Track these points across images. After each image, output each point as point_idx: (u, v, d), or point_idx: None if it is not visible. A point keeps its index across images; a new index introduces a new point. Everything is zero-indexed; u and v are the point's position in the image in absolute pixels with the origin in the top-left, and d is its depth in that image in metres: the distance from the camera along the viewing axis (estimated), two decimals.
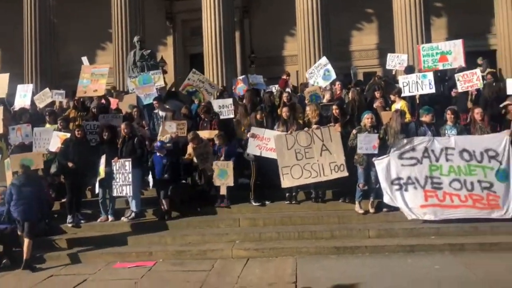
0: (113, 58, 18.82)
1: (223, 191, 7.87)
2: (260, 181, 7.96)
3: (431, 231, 6.74)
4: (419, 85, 9.29)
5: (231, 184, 7.78)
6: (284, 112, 8.06)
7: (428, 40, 17.25)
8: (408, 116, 8.18)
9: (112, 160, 7.58)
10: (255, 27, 21.96)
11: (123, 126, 7.90)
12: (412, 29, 16.82)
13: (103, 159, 7.59)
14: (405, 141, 7.08)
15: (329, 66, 10.95)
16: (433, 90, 9.35)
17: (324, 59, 11.59)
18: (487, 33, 19.13)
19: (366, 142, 7.20)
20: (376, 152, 7.23)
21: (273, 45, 21.14)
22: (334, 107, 8.02)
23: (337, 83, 10.20)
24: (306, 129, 7.77)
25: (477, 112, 7.42)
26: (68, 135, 8.00)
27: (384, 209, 7.34)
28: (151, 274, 6.05)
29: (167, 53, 22.79)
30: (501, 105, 7.78)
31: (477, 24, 18.90)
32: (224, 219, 7.60)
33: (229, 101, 9.39)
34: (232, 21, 18.44)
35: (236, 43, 22.42)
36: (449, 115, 7.46)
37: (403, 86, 9.36)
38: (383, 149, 7.21)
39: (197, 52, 19.76)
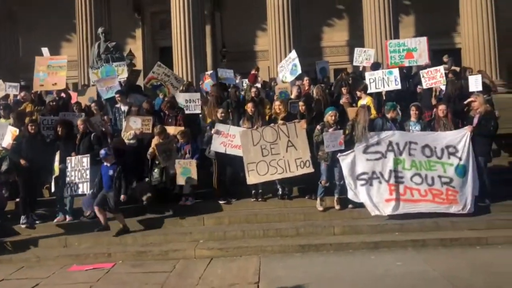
0: (77, 50, 18.22)
1: (186, 190, 7.67)
2: (224, 178, 7.79)
3: (395, 227, 6.78)
4: (385, 81, 9.32)
5: (195, 183, 7.59)
6: (249, 107, 7.91)
7: (397, 37, 17.52)
8: (373, 112, 8.20)
9: (67, 157, 7.23)
10: (227, 21, 21.69)
11: (79, 122, 7.56)
12: (381, 26, 17.07)
13: (57, 156, 7.24)
14: (371, 135, 7.08)
15: (297, 61, 10.86)
16: (399, 87, 9.41)
17: (293, 53, 11.49)
18: (453, 31, 19.58)
19: (332, 140, 7.14)
20: (342, 147, 7.20)
21: (245, 39, 20.96)
22: (300, 103, 7.95)
23: (305, 78, 10.13)
24: (272, 124, 7.66)
25: (441, 109, 7.50)
26: (18, 131, 7.57)
27: (350, 206, 7.34)
28: (108, 277, 5.79)
29: (135, 46, 22.22)
30: (465, 102, 7.89)
31: (444, 23, 19.36)
32: (188, 218, 7.40)
33: (197, 95, 9.16)
34: (202, 14, 18.14)
35: (207, 37, 22.21)
36: (413, 111, 7.50)
37: (370, 83, 9.37)
38: (349, 145, 7.19)
39: (167, 45, 19.36)
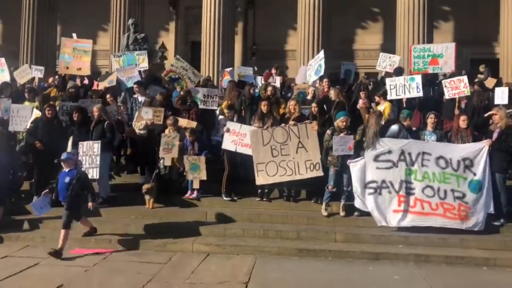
0: (110, 40, 18.65)
1: (196, 185, 7.66)
2: (232, 176, 7.76)
3: (399, 240, 6.55)
4: (407, 88, 9.04)
5: (204, 178, 7.58)
6: (263, 106, 7.83)
7: (430, 42, 16.96)
8: (385, 118, 7.94)
9: (80, 142, 7.40)
10: (259, 19, 21.72)
11: (94, 109, 7.70)
12: (414, 31, 16.56)
13: (70, 141, 7.43)
14: (382, 142, 6.87)
15: (323, 62, 10.72)
16: (420, 94, 9.11)
17: (321, 53, 11.35)
18: (493, 41, 18.79)
19: (341, 144, 6.99)
20: (351, 153, 7.02)
21: (276, 38, 20.88)
22: (313, 105, 7.82)
23: (325, 80, 9.94)
24: (283, 125, 7.56)
25: (463, 119, 7.16)
26: (40, 114, 7.82)
27: (356, 213, 7.15)
28: (105, 263, 5.90)
29: (168, 39, 22.61)
30: (486, 114, 7.53)
31: (484, 31, 18.63)
32: (192, 212, 7.43)
33: (215, 91, 9.17)
34: (232, 11, 18.18)
35: (239, 34, 22.33)
36: (430, 120, 7.22)
37: (390, 89, 9.11)
38: (360, 150, 7.01)
39: (198, 40, 19.49)
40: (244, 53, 21.84)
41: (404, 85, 9.06)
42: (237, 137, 7.60)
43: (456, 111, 9.02)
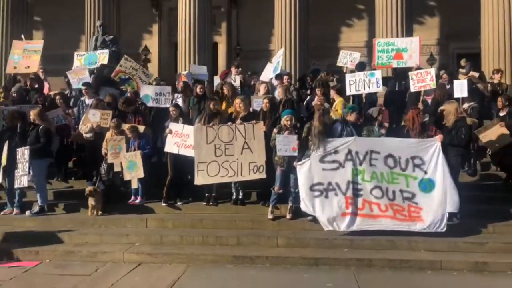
0: (85, 44, 18.35)
1: (134, 184, 7.32)
2: (176, 179, 7.41)
3: (344, 243, 6.16)
4: (366, 83, 8.71)
5: (141, 175, 7.25)
6: (211, 105, 7.45)
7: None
8: (335, 115, 7.57)
9: (17, 149, 7.06)
10: (243, 19, 21.38)
11: (31, 113, 7.36)
12: (393, 28, 16.26)
13: (5, 147, 7.09)
14: (328, 141, 6.48)
15: (281, 60, 10.40)
16: (380, 89, 8.78)
17: (281, 51, 11.06)
18: (478, 35, 18.39)
19: (285, 143, 6.62)
20: (296, 154, 6.65)
21: (260, 38, 20.47)
22: (265, 100, 7.43)
23: (285, 77, 9.58)
24: (229, 123, 7.18)
25: (414, 113, 6.76)
26: None
27: (309, 217, 6.68)
28: (23, 277, 5.52)
29: (151, 41, 22.29)
30: (438, 110, 7.15)
31: (470, 26, 18.20)
32: (132, 219, 7.07)
33: (168, 88, 8.83)
34: (208, 10, 17.89)
35: (223, 34, 22.07)
36: (379, 116, 6.84)
37: (350, 84, 8.78)
38: (306, 150, 6.63)
39: None
40: (228, 54, 21.52)
41: (364, 80, 8.72)
42: (180, 139, 7.23)
43: (420, 106, 8.66)
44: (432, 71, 8.77)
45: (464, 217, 6.52)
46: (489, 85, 9.91)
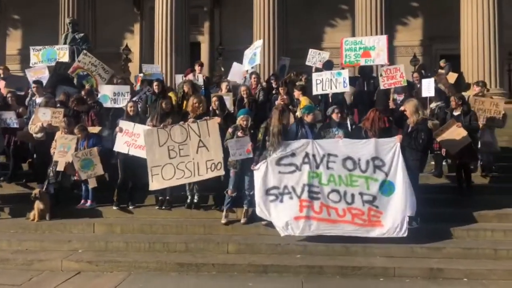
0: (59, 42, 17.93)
1: (92, 183, 6.92)
2: (127, 181, 7.06)
3: (298, 249, 5.86)
4: (333, 83, 8.43)
5: (101, 172, 6.88)
6: (164, 104, 7.10)
7: (390, 40, 16.49)
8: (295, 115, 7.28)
9: None
10: (225, 19, 21.17)
11: None
12: (372, 28, 16.15)
13: None
14: (285, 144, 6.17)
15: (258, 51, 10.10)
16: (347, 89, 8.51)
17: (258, 42, 10.73)
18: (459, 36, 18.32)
19: (238, 147, 6.31)
20: (250, 155, 6.35)
21: (243, 37, 20.04)
22: (213, 98, 7.12)
23: (253, 76, 9.26)
24: (181, 122, 6.83)
25: (375, 114, 6.49)
26: None
27: (263, 222, 6.35)
28: None
29: (133, 41, 22.00)
30: (401, 108, 6.89)
31: (453, 27, 18.12)
32: (79, 224, 6.69)
33: (126, 88, 8.48)
34: (186, 10, 17.63)
35: (205, 34, 21.83)
36: (335, 115, 6.54)
37: (316, 84, 8.52)
38: (265, 151, 6.32)
39: None
40: (211, 53, 21.31)
41: (331, 79, 8.45)
42: (130, 138, 6.88)
43: (391, 104, 8.43)
44: (402, 67, 8.52)
45: (426, 221, 6.27)
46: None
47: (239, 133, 6.39)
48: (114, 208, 6.97)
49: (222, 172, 6.61)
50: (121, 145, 6.94)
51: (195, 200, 6.95)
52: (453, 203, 6.93)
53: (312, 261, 5.54)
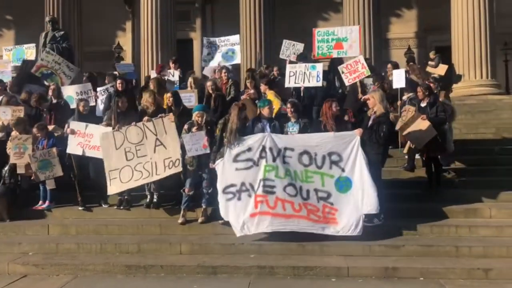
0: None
1: (51, 185, 6.76)
2: (84, 182, 6.89)
3: (252, 249, 5.64)
4: (307, 76, 8.19)
5: (60, 173, 6.72)
6: (120, 102, 6.91)
7: (378, 34, 16.26)
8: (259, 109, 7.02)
9: None
10: (217, 14, 20.97)
11: None
12: (360, 19, 15.83)
13: None
14: (242, 139, 5.93)
15: (237, 48, 9.86)
16: (320, 84, 8.25)
17: (234, 38, 10.46)
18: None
19: (193, 142, 6.10)
20: (207, 151, 6.14)
21: (235, 33, 20.00)
22: (168, 95, 6.91)
23: (223, 71, 9.02)
24: (134, 123, 6.63)
25: (328, 105, 6.23)
26: None
27: (221, 221, 6.12)
28: None
29: (125, 38, 21.89)
30: (364, 97, 6.62)
31: (447, 18, 17.80)
32: (34, 225, 6.52)
33: (88, 85, 8.28)
34: (172, 6, 17.45)
35: (197, 30, 21.67)
36: (289, 109, 6.30)
37: (289, 76, 8.28)
38: (222, 148, 6.10)
39: None
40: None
41: (305, 73, 8.21)
42: (83, 139, 6.69)
43: (361, 96, 8.15)
44: (361, 58, 8.25)
45: (392, 218, 6.03)
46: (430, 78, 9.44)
47: (194, 129, 6.18)
48: (80, 208, 6.81)
49: (179, 169, 6.41)
50: (74, 147, 6.75)
51: (155, 200, 6.75)
52: (422, 198, 6.69)
53: (264, 261, 5.31)
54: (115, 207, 6.83)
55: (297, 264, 5.19)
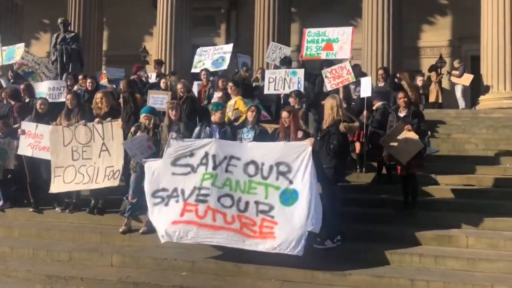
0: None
1: None
2: (33, 183, 6.65)
3: (185, 266, 5.14)
4: (287, 82, 7.63)
5: (11, 167, 6.64)
6: (67, 100, 6.65)
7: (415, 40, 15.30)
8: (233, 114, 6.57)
9: None
10: (242, 20, 20.81)
11: None
12: (378, 25, 15.03)
13: None
14: (184, 143, 5.44)
15: (228, 56, 9.49)
16: (301, 90, 7.61)
17: (228, 46, 10.12)
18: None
19: (136, 147, 5.70)
20: (154, 150, 5.74)
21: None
22: (122, 95, 6.55)
23: (203, 73, 8.64)
24: (83, 121, 6.33)
25: (285, 114, 5.61)
26: None
27: (141, 230, 5.78)
28: None
29: (152, 43, 22.09)
30: (323, 102, 5.96)
31: (480, 26, 16.61)
32: None
33: (62, 83, 8.16)
34: (187, 11, 17.61)
35: (221, 36, 21.63)
36: (249, 113, 5.75)
37: (269, 82, 7.76)
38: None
39: None
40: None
41: (285, 78, 7.68)
42: (33, 140, 6.45)
43: (344, 105, 7.46)
44: (347, 64, 7.54)
45: (351, 240, 5.33)
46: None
47: (139, 133, 5.78)
48: (30, 210, 6.60)
49: (116, 183, 6.08)
50: (24, 148, 6.55)
51: (99, 205, 6.40)
52: (393, 219, 5.87)
53: (192, 281, 4.79)
54: (59, 209, 6.55)
55: (227, 287, 4.61)
